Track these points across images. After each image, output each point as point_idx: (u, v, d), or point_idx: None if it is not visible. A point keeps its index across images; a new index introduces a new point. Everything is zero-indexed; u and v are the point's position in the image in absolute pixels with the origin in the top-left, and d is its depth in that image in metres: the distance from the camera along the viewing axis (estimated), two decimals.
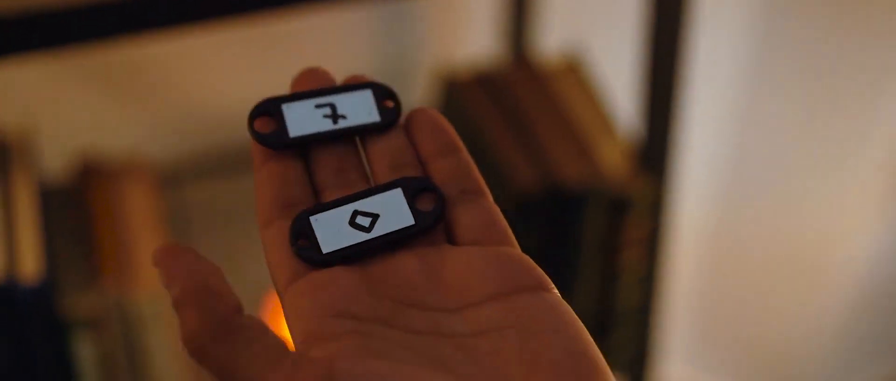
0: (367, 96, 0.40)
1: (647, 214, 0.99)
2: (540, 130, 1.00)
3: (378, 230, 0.38)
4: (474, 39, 1.16)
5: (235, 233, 1.05)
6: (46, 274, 0.83)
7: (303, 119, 0.39)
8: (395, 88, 0.42)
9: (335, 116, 0.40)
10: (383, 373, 0.32)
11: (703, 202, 1.34)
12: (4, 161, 0.88)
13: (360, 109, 0.40)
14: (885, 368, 1.41)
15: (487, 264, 0.36)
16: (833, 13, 1.17)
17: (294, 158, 0.39)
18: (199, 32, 1.02)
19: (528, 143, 0.98)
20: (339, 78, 0.42)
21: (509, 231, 0.38)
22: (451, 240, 0.38)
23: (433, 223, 0.38)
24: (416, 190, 0.39)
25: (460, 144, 0.39)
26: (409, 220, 0.38)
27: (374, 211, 0.38)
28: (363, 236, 0.37)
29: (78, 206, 0.94)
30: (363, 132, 0.40)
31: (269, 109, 0.40)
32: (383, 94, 0.41)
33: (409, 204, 0.38)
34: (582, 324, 0.35)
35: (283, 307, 0.36)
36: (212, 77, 1.10)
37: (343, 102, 0.40)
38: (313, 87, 0.40)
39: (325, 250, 0.37)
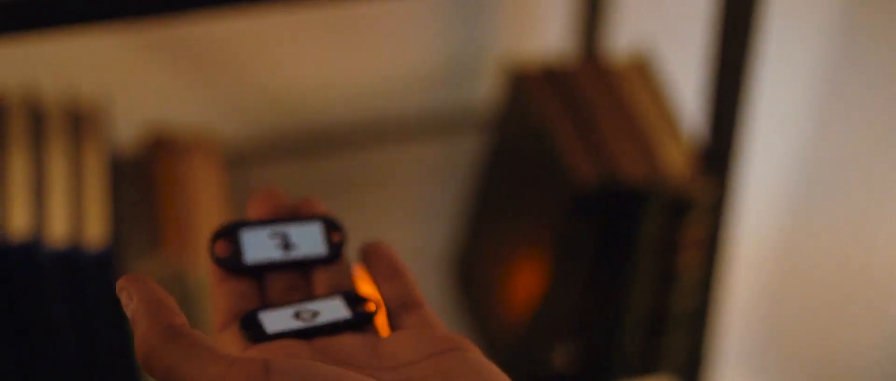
0: (316, 229, 0.46)
1: (708, 216, 0.98)
2: (604, 126, 0.99)
3: (319, 321, 0.43)
4: (545, 35, 1.16)
5: None
6: (111, 241, 0.85)
7: (257, 246, 0.45)
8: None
9: (286, 246, 0.45)
10: (316, 370, 0.37)
11: (771, 208, 1.31)
12: (78, 129, 0.90)
13: (309, 241, 0.46)
14: None
15: (420, 340, 0.42)
16: None
17: (249, 279, 0.45)
18: (276, 13, 1.04)
19: (591, 139, 0.98)
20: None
21: (446, 332, 0.43)
22: None
23: (369, 318, 0.43)
24: (355, 300, 0.44)
25: (406, 269, 0.46)
26: (347, 315, 0.43)
27: (316, 310, 0.43)
28: (305, 324, 0.43)
29: (146, 177, 0.96)
30: (311, 263, 0.45)
31: (228, 234, 0.45)
32: (331, 226, 0.46)
33: (348, 306, 0.43)
34: (505, 376, 0.40)
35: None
36: (286, 59, 1.11)
37: (295, 232, 0.46)
38: (269, 207, 0.47)
39: (269, 332, 0.42)
